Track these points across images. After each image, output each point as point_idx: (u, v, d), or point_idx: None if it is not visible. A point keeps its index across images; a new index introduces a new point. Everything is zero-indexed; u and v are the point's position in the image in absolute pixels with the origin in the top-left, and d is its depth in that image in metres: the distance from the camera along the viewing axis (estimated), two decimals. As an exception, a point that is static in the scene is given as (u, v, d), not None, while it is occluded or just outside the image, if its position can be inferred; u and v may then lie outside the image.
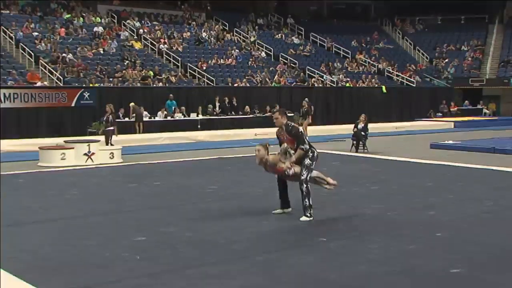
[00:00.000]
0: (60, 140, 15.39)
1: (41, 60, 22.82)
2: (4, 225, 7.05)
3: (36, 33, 24.80)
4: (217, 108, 24.22)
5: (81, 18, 27.86)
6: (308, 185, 7.28)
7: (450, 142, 17.97)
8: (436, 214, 7.90)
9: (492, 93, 34.84)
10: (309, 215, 7.30)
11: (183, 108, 23.18)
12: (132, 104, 21.46)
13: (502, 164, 12.87)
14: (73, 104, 20.93)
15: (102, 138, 16.62)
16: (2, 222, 7.15)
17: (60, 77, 22.05)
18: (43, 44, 24.03)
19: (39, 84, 21.42)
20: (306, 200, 7.28)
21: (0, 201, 8.27)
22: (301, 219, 7.29)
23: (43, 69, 22.60)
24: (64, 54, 23.56)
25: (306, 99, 21.87)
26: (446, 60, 36.68)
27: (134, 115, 21.35)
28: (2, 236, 6.42)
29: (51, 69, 22.32)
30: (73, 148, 13.81)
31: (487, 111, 33.40)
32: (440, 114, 31.16)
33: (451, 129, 26.07)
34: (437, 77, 34.81)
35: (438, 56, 37.47)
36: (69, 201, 8.94)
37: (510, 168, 12.32)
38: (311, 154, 7.32)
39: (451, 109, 31.80)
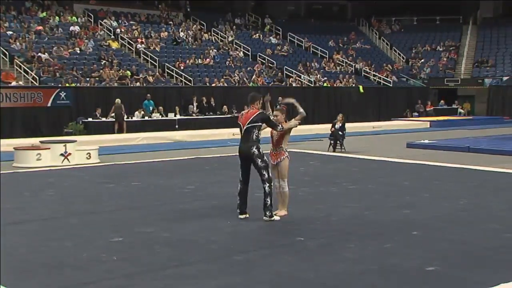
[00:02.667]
0: (35, 141, 15.20)
1: (16, 60, 22.51)
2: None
3: (11, 32, 24.45)
4: (194, 108, 24.15)
5: (57, 17, 27.53)
6: (271, 184, 7.31)
7: (426, 141, 18.14)
8: (412, 212, 7.99)
9: (466, 93, 35.28)
10: (270, 214, 7.32)
11: (160, 108, 23.07)
12: (118, 100, 21.23)
13: (476, 163, 13.07)
14: (49, 104, 20.68)
15: (78, 138, 16.46)
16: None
17: (35, 76, 21.77)
18: (18, 43, 23.72)
19: (14, 83, 21.12)
20: (268, 199, 7.27)
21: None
22: (271, 219, 7.31)
23: (18, 68, 22.29)
24: (39, 54, 23.29)
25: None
26: (422, 60, 37.07)
27: (113, 114, 21.10)
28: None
29: (26, 69, 22.03)
30: (49, 148, 13.64)
31: (462, 111, 33.81)
32: (416, 113, 31.47)
33: (427, 128, 26.33)
34: (413, 77, 35.17)
35: (414, 56, 37.85)
36: (45, 202, 8.85)
37: (484, 167, 12.52)
38: (264, 156, 7.33)
39: (427, 109, 32.12)
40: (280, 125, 7.42)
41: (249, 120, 7.28)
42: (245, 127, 7.30)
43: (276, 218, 7.37)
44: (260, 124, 7.32)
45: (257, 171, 7.32)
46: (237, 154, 7.49)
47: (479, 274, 5.37)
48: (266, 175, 7.28)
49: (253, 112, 7.34)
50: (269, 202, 7.27)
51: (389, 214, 7.90)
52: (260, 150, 7.30)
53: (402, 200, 8.93)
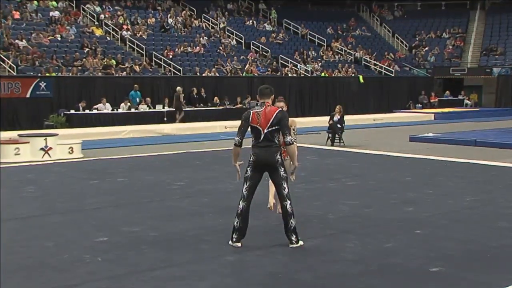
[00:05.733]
0: (14, 134, 15.17)
1: (-8, 47, 22.44)
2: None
3: (-14, 18, 24.37)
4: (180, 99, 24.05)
5: (35, 2, 27.41)
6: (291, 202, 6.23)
7: (430, 134, 18.22)
8: (415, 210, 8.04)
9: (473, 83, 35.39)
10: (297, 239, 6.22)
11: (148, 99, 23.04)
12: (179, 88, 22.37)
13: (484, 158, 13.14)
14: (28, 95, 20.61)
15: (60, 131, 16.44)
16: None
17: (13, 65, 21.69)
18: (-6, 30, 23.64)
19: (-11, 73, 21.06)
20: (293, 220, 6.17)
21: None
22: (298, 244, 6.20)
23: (-6, 56, 22.23)
24: (17, 41, 23.19)
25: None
26: (426, 48, 37.13)
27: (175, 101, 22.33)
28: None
29: (3, 57, 21.94)
30: (28, 142, 13.62)
31: (468, 102, 33.93)
32: (419, 105, 31.57)
33: (431, 121, 26.43)
34: (417, 66, 35.23)
35: (418, 44, 37.90)
36: (25, 200, 8.84)
37: (492, 161, 12.58)
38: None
39: (431, 100, 32.23)
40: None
41: (270, 123, 6.11)
42: (265, 131, 6.12)
43: (301, 242, 6.26)
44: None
45: (275, 184, 6.26)
46: (252, 163, 6.20)
47: (486, 275, 5.41)
48: (287, 190, 6.19)
49: (272, 110, 6.17)
50: (294, 224, 6.16)
51: (390, 212, 7.94)
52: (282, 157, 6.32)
53: (404, 196, 8.97)
